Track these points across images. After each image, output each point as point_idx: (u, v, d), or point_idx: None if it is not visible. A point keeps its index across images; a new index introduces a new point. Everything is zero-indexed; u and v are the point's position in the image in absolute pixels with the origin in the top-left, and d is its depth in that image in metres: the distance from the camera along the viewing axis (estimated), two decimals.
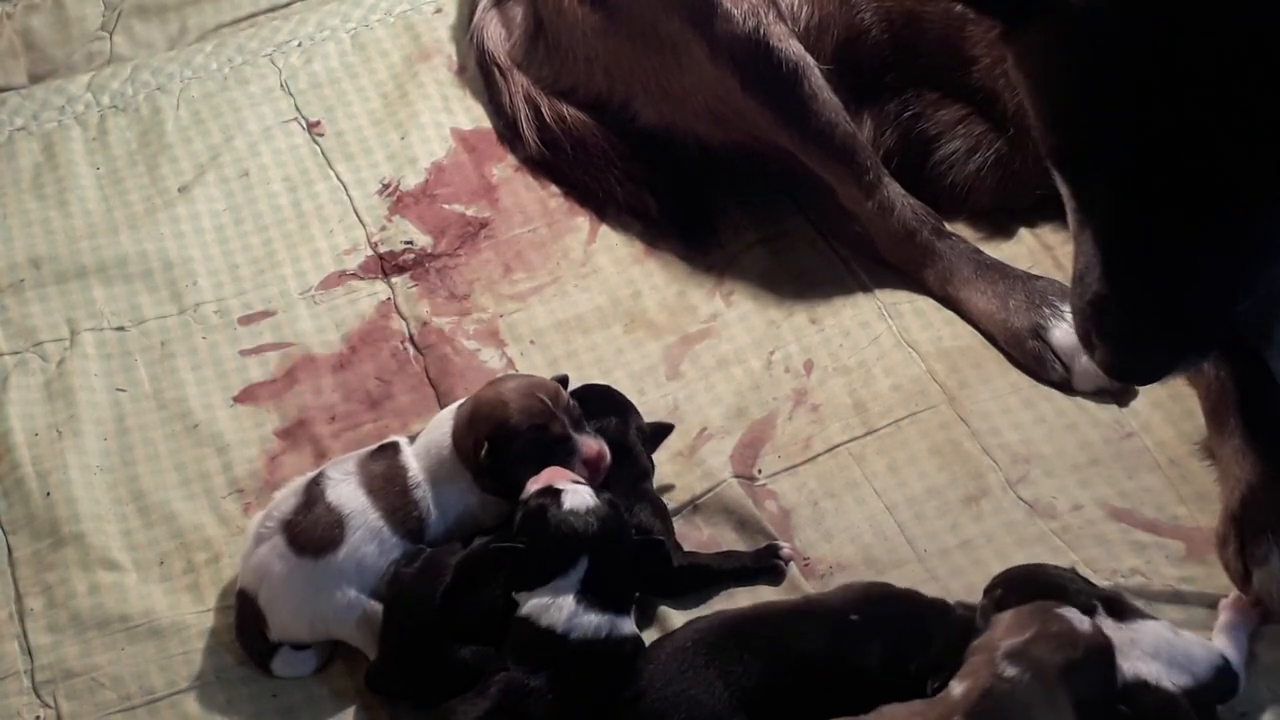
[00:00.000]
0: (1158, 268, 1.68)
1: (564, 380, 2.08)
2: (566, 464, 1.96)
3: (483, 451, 1.96)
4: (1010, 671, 1.64)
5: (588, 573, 1.85)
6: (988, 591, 1.83)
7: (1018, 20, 1.79)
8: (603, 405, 2.10)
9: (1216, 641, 1.83)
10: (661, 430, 2.13)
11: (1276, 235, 1.67)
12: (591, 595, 1.84)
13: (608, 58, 2.54)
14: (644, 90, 2.52)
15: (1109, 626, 1.76)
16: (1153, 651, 1.76)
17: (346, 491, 1.99)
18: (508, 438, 1.96)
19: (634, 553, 1.91)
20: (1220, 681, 1.78)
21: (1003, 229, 2.42)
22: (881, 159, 2.41)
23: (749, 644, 1.80)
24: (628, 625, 1.86)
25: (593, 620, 1.83)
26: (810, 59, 2.35)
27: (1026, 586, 1.80)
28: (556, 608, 1.84)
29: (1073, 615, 1.69)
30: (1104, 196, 1.70)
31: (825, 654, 1.79)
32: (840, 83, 2.39)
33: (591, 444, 1.99)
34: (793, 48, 2.34)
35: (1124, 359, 1.76)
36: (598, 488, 1.95)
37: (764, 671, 1.78)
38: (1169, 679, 1.74)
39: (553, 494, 1.88)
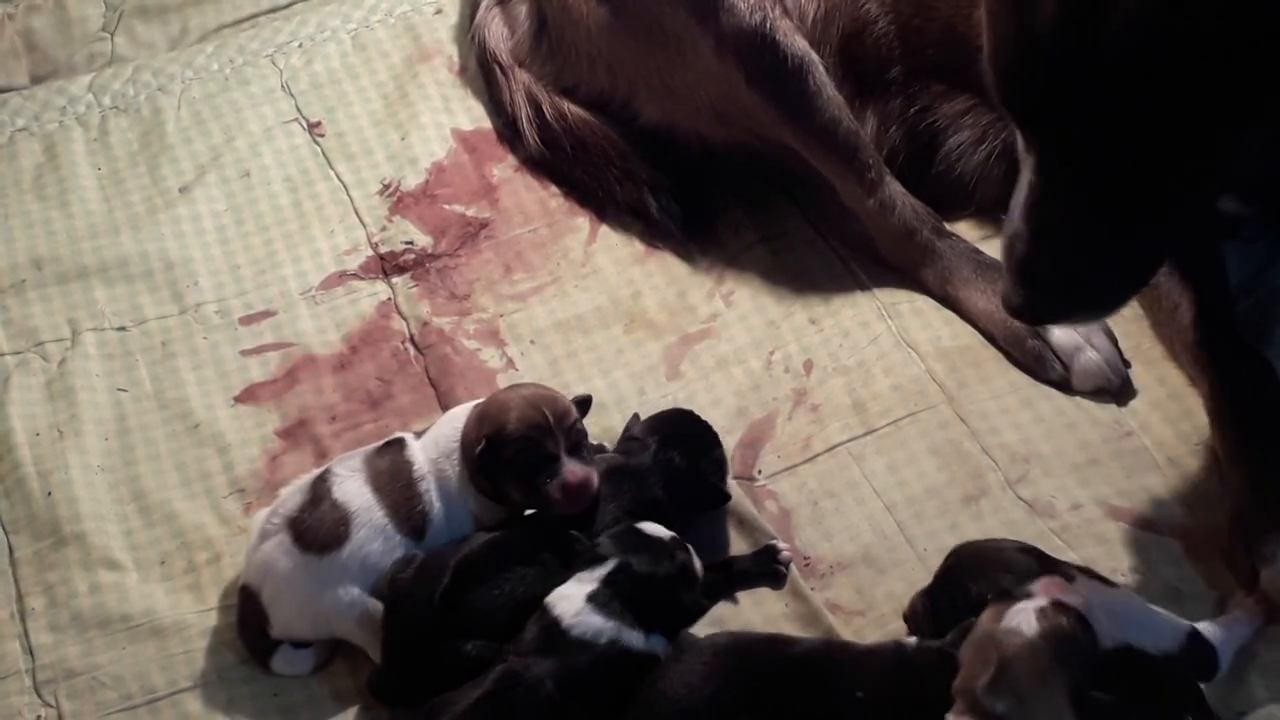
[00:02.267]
0: (1074, 220, 1.72)
1: (585, 401, 2.08)
2: (547, 484, 1.94)
3: (479, 448, 1.97)
4: (1000, 707, 1.65)
5: (610, 575, 1.85)
6: (939, 585, 1.86)
7: None
8: (659, 429, 2.08)
9: (1217, 631, 1.83)
10: (718, 495, 2.06)
11: (1196, 215, 1.80)
12: (605, 599, 1.84)
13: (611, 54, 2.54)
14: (646, 87, 2.52)
15: (1095, 588, 1.78)
16: (1127, 621, 1.77)
17: (352, 488, 2.00)
18: (502, 443, 1.97)
19: (674, 587, 1.88)
20: (1193, 654, 1.78)
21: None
22: (887, 155, 2.41)
23: (758, 695, 1.79)
24: (636, 639, 1.84)
25: (596, 622, 1.83)
26: (815, 55, 2.35)
27: (973, 572, 1.83)
28: (568, 600, 1.84)
29: (1018, 621, 1.69)
30: (1037, 143, 1.72)
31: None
32: (845, 78, 2.40)
33: (577, 471, 1.95)
34: (798, 43, 2.34)
35: (1019, 296, 1.80)
36: (587, 513, 1.97)
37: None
38: (1148, 645, 1.75)
39: None
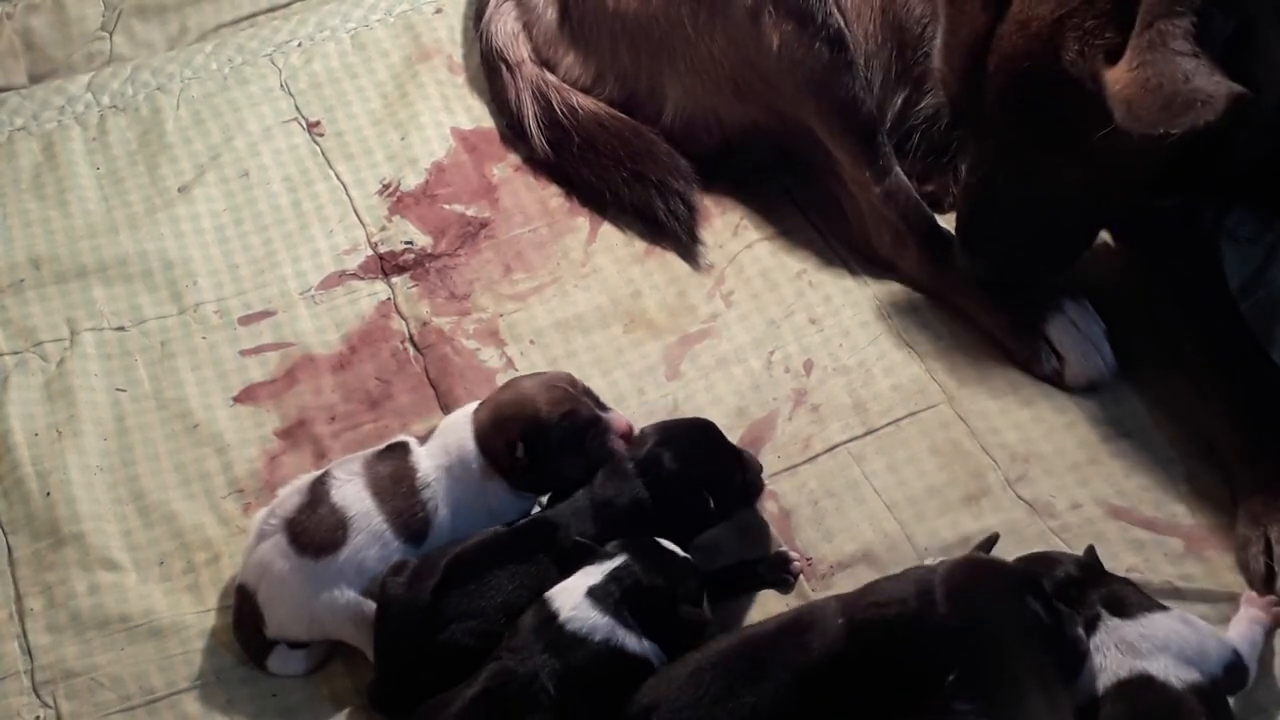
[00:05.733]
0: (995, 204, 2.12)
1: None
2: (602, 443, 1.98)
3: (517, 451, 1.97)
4: None
5: (616, 570, 1.85)
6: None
7: None
8: (661, 430, 2.05)
9: (1232, 634, 1.83)
10: (703, 511, 2.02)
11: (1093, 206, 2.09)
12: (604, 594, 1.84)
13: (636, 29, 2.52)
14: (670, 62, 2.50)
15: (1114, 626, 1.78)
16: (1163, 645, 1.76)
17: (351, 493, 1.99)
18: (542, 431, 1.98)
19: (670, 593, 1.87)
20: (1230, 676, 1.79)
21: None
22: (921, 120, 2.42)
23: (763, 667, 1.79)
24: (630, 641, 1.83)
25: (592, 617, 1.83)
26: (849, 31, 2.36)
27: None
28: (568, 594, 1.84)
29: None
30: (974, 145, 2.11)
31: (835, 654, 1.78)
32: (884, 42, 2.40)
33: (619, 419, 2.02)
34: (836, 14, 2.35)
35: (963, 259, 2.22)
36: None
37: (778, 693, 1.77)
38: (1175, 674, 1.74)
39: None
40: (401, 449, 2.04)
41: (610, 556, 1.87)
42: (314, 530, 1.97)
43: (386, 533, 1.97)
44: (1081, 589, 1.83)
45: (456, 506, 2.00)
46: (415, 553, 1.97)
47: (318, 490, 2.00)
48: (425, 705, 1.83)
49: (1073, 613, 1.78)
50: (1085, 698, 1.76)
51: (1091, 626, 1.79)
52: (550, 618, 1.83)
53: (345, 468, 2.03)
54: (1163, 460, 2.09)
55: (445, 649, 1.88)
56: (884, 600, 1.78)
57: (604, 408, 2.04)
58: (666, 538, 1.93)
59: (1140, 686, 1.74)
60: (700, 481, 1.99)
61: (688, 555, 1.92)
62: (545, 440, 1.98)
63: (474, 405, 2.07)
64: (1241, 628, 1.85)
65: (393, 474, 2.01)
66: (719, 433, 2.06)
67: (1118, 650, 1.76)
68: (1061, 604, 1.78)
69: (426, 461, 2.02)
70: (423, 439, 2.07)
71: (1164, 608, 1.83)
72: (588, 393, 2.04)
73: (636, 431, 2.03)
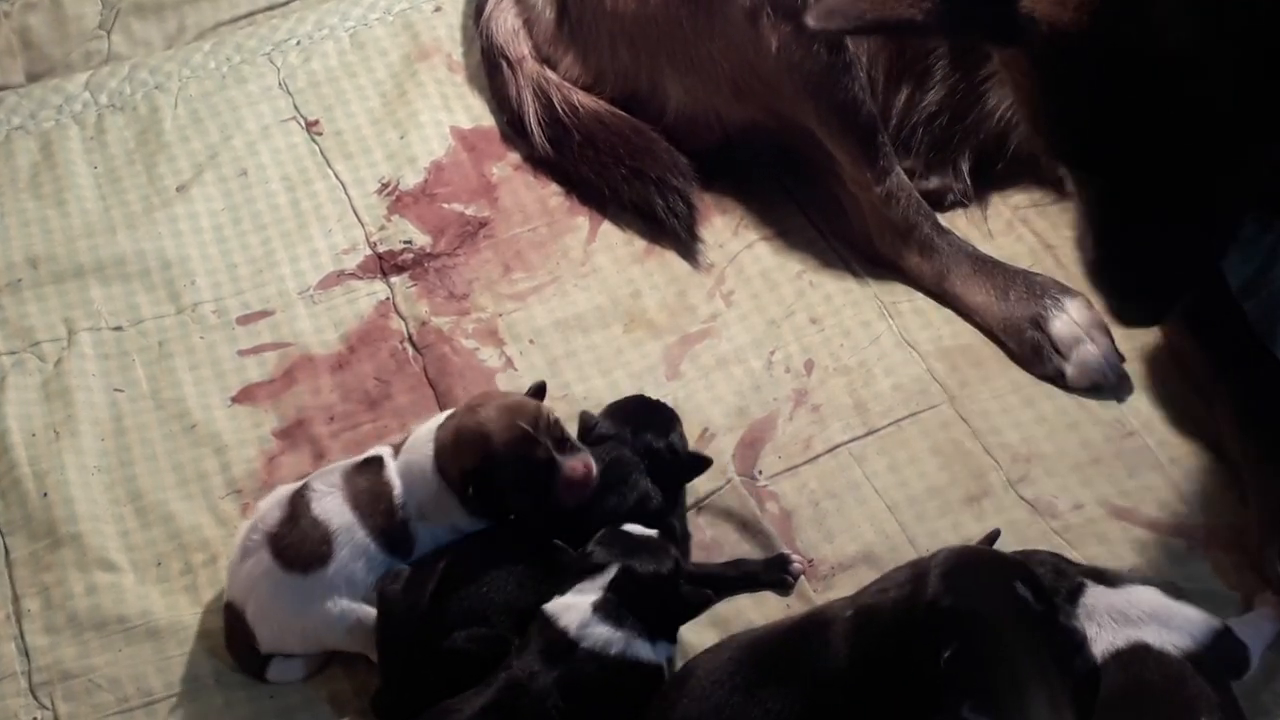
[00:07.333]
0: (1130, 238, 1.90)
1: (541, 388, 2.05)
2: (550, 487, 1.92)
3: (470, 484, 1.93)
4: None
5: (614, 581, 1.83)
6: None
7: (1002, 41, 1.87)
8: (626, 419, 2.07)
9: (1246, 629, 1.82)
10: (698, 463, 2.07)
11: (1230, 212, 1.92)
12: (611, 608, 1.82)
13: (634, 28, 2.51)
14: (670, 62, 2.50)
15: (1100, 593, 1.78)
16: (1151, 613, 1.77)
17: (332, 506, 1.96)
18: (492, 468, 1.93)
19: (676, 584, 1.87)
20: (1223, 648, 1.78)
21: (1005, 227, 2.42)
22: (924, 116, 2.41)
23: (781, 669, 1.78)
24: (645, 650, 1.83)
25: (604, 633, 1.81)
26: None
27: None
28: (574, 610, 1.83)
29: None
30: (1081, 179, 1.92)
31: (847, 646, 1.77)
32: (881, 51, 2.39)
33: (576, 465, 1.93)
34: None
35: (1118, 307, 1.99)
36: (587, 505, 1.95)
37: (799, 693, 1.76)
38: (1170, 641, 1.74)
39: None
40: (376, 464, 2.01)
41: (601, 569, 1.85)
42: (298, 545, 1.94)
43: (371, 546, 1.95)
44: (1061, 570, 1.83)
45: (429, 522, 1.97)
46: (403, 565, 1.96)
47: (298, 503, 1.98)
48: (433, 710, 1.81)
49: (1067, 606, 1.78)
50: (1080, 674, 1.75)
51: (1078, 592, 1.80)
52: (560, 635, 1.81)
53: (324, 479, 2.01)
54: (1166, 460, 2.08)
55: (449, 654, 1.87)
56: (886, 585, 1.80)
57: (564, 446, 1.94)
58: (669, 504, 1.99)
59: (1139, 656, 1.74)
60: (677, 441, 2.06)
61: (653, 532, 1.91)
62: (494, 477, 1.93)
63: (441, 419, 2.02)
64: (1249, 617, 1.85)
65: (370, 489, 1.98)
66: (649, 398, 2.13)
67: (1110, 618, 1.76)
68: (1053, 595, 1.78)
69: (398, 478, 1.99)
70: (397, 449, 2.03)
71: (1145, 581, 1.83)
72: (551, 428, 1.94)
73: (594, 471, 1.95)
